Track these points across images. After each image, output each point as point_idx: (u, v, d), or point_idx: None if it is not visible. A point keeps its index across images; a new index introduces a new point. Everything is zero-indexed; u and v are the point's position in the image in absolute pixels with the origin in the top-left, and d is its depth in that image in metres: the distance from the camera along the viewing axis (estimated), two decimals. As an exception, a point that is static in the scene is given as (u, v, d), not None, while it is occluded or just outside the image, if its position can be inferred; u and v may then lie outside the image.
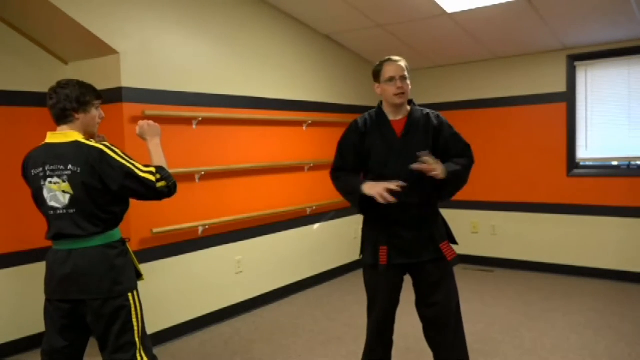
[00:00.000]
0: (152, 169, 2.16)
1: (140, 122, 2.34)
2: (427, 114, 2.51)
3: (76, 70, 3.70)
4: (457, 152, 2.48)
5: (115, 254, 2.15)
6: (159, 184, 2.14)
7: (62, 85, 2.14)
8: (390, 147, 2.44)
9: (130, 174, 2.09)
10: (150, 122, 2.35)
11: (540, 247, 5.33)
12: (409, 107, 2.52)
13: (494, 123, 5.54)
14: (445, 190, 2.44)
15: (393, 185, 2.26)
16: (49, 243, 2.18)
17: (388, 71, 2.42)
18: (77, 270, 2.07)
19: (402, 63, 2.46)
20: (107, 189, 2.09)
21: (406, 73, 2.45)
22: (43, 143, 2.16)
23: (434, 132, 2.44)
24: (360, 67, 5.59)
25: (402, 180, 2.34)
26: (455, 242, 2.53)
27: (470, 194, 5.72)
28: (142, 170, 2.12)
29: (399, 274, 2.49)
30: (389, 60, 2.46)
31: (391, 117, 2.49)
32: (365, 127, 2.52)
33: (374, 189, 2.28)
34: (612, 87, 4.98)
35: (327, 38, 5.18)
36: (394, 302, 2.53)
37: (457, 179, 2.42)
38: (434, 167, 2.28)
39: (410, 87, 2.48)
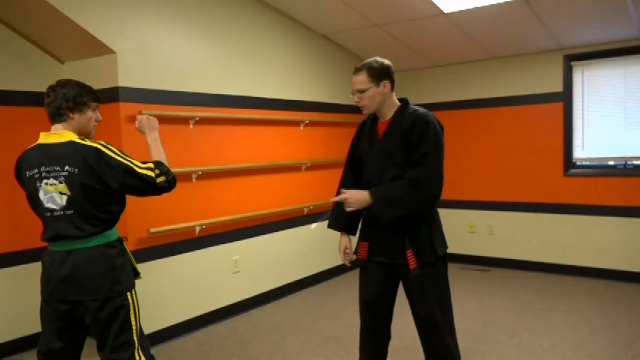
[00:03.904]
0: (151, 165, 2.15)
1: (139, 117, 2.36)
2: (409, 114, 2.36)
3: (73, 70, 3.70)
4: (416, 160, 2.28)
5: (115, 254, 2.15)
6: (159, 180, 2.14)
7: (61, 84, 2.14)
8: (372, 149, 2.46)
9: (130, 172, 2.08)
10: (150, 116, 2.37)
11: (538, 247, 5.35)
12: (398, 107, 2.45)
13: (491, 123, 5.55)
14: (378, 213, 2.32)
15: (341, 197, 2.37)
16: (46, 243, 2.17)
17: (352, 83, 2.42)
18: (78, 271, 2.06)
19: (362, 74, 2.34)
20: (105, 189, 2.09)
21: (364, 85, 2.33)
22: (36, 144, 2.14)
23: (405, 135, 2.31)
24: (358, 67, 5.59)
25: (377, 182, 2.39)
26: (436, 253, 2.34)
27: (467, 193, 5.75)
28: (140, 167, 2.12)
29: (385, 273, 2.45)
30: (354, 70, 2.39)
31: (380, 119, 2.48)
32: (362, 130, 2.56)
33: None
34: (609, 87, 4.99)
35: (324, 38, 5.18)
36: (379, 300, 2.49)
37: (389, 204, 2.28)
38: (347, 203, 2.31)
39: (381, 91, 2.35)
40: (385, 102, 2.40)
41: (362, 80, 2.35)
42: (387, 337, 2.59)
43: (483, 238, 5.68)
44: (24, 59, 3.59)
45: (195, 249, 3.91)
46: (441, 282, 2.42)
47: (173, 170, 2.24)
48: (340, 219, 2.59)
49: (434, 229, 2.40)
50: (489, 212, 5.61)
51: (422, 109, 2.40)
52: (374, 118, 2.52)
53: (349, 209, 2.34)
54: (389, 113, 2.42)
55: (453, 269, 5.53)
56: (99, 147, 2.08)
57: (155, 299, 3.59)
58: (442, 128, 2.39)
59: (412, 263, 2.32)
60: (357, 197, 2.32)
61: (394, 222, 2.33)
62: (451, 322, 2.46)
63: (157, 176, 2.14)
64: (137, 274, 2.29)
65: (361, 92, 2.36)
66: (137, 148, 3.03)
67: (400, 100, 2.47)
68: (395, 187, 2.30)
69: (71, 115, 2.13)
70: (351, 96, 2.45)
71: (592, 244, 5.06)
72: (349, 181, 2.58)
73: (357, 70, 2.38)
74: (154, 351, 2.44)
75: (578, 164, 5.21)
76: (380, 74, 2.36)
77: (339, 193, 2.60)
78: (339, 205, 2.56)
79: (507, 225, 5.52)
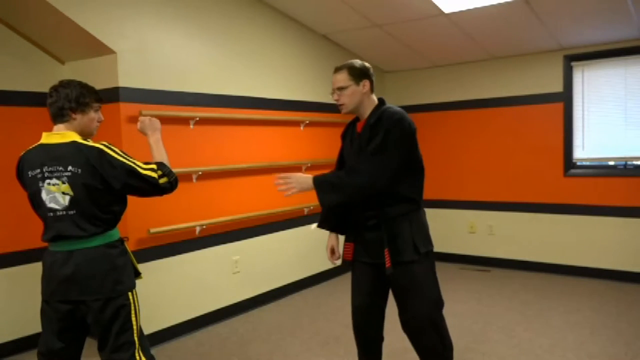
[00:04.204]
0: (154, 166, 2.17)
1: (141, 118, 2.37)
2: (380, 112, 2.38)
3: (73, 70, 3.70)
4: (367, 152, 2.31)
5: (117, 254, 2.15)
6: (161, 180, 2.16)
7: (63, 84, 2.15)
8: (349, 147, 2.51)
9: (132, 172, 2.10)
10: (152, 117, 2.38)
11: (537, 247, 5.35)
12: (373, 106, 2.46)
13: (491, 123, 5.55)
14: (318, 197, 2.33)
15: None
16: (46, 243, 2.17)
17: (332, 82, 2.44)
18: (79, 271, 2.06)
19: (342, 72, 2.39)
20: (108, 189, 2.09)
21: (344, 83, 2.37)
22: (38, 144, 2.14)
23: (370, 130, 2.36)
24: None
25: None
26: (418, 250, 2.33)
27: (467, 193, 5.75)
28: (143, 168, 2.13)
29: (372, 273, 2.44)
30: (334, 69, 2.44)
31: (360, 119, 2.50)
32: (347, 131, 2.61)
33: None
34: (609, 87, 4.99)
35: (324, 38, 5.18)
36: (370, 301, 2.48)
37: (326, 188, 2.29)
38: (291, 185, 2.31)
39: (360, 90, 2.38)
40: (363, 101, 2.43)
41: (342, 78, 2.40)
42: (379, 338, 2.57)
43: (483, 238, 5.68)
44: (24, 59, 3.59)
45: (195, 249, 3.91)
46: (425, 281, 2.38)
47: (173, 170, 2.25)
48: (330, 219, 2.63)
49: (415, 226, 2.37)
50: (489, 212, 5.61)
51: (395, 108, 2.40)
52: (356, 118, 2.54)
53: (291, 192, 2.31)
54: (366, 112, 2.45)
55: (453, 269, 5.54)
56: (102, 147, 2.09)
57: (155, 299, 3.59)
58: (413, 129, 2.35)
59: (387, 261, 2.31)
60: (298, 180, 2.32)
61: (335, 206, 2.41)
62: (440, 323, 2.41)
63: (160, 177, 2.16)
64: (137, 274, 2.29)
65: (341, 89, 2.40)
66: (137, 148, 3.03)
67: (378, 99, 2.48)
68: (334, 173, 2.36)
69: (73, 115, 2.13)
70: (330, 94, 2.48)
71: (592, 244, 5.06)
72: None
73: (338, 69, 2.43)
74: (154, 351, 2.44)
75: (578, 164, 5.21)
76: (361, 74, 2.41)
77: None
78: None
79: (507, 225, 5.52)
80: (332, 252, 2.65)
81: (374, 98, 2.47)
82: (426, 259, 2.38)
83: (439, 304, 2.42)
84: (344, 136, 2.62)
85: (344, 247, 2.54)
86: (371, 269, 2.45)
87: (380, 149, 2.26)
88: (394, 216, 2.36)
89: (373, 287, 2.48)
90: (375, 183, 2.25)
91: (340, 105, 2.43)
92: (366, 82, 2.41)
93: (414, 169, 2.39)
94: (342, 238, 2.64)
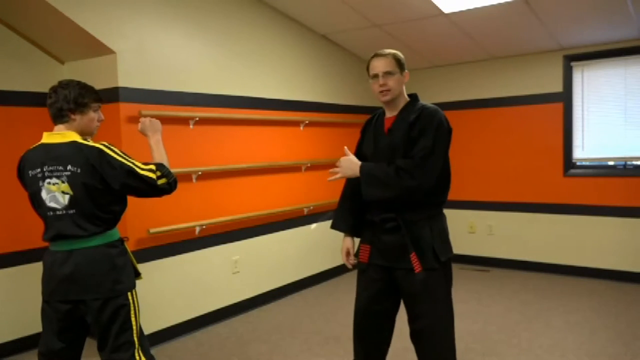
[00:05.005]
0: (152, 167, 2.17)
1: (142, 119, 2.37)
2: (417, 108, 2.31)
3: (73, 70, 3.70)
4: (413, 154, 2.23)
5: (116, 253, 2.16)
6: (160, 181, 2.16)
7: (62, 85, 2.15)
8: (376, 145, 2.40)
9: (131, 172, 2.10)
10: (152, 118, 2.37)
11: (537, 247, 5.35)
12: (406, 101, 2.40)
13: (491, 123, 5.55)
14: (362, 188, 2.28)
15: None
16: (46, 243, 2.17)
17: (372, 68, 2.34)
18: (79, 270, 2.07)
19: (388, 58, 2.31)
20: (108, 189, 2.10)
21: (392, 68, 2.29)
22: (39, 143, 2.15)
23: (409, 128, 2.26)
24: (357, 67, 5.59)
25: None
26: (438, 258, 2.26)
27: (467, 193, 5.75)
28: (142, 169, 2.13)
29: (386, 277, 2.35)
30: (375, 55, 2.36)
31: (387, 114, 2.41)
32: (367, 126, 2.52)
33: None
34: (609, 87, 4.99)
35: (324, 38, 5.18)
36: (376, 306, 2.39)
37: (373, 182, 2.25)
38: (337, 169, 2.32)
39: (403, 79, 2.34)
40: (401, 93, 2.37)
41: (390, 63, 2.31)
42: (384, 344, 2.48)
43: (483, 238, 5.68)
44: (24, 59, 3.58)
45: (195, 249, 3.91)
46: (441, 291, 2.30)
47: (173, 170, 2.25)
48: (347, 220, 2.53)
49: (436, 232, 2.30)
50: (489, 212, 5.61)
51: (432, 105, 2.34)
52: (379, 115, 2.46)
53: (335, 177, 2.32)
54: (399, 106, 2.37)
55: (453, 269, 5.52)
56: (102, 147, 2.09)
57: (155, 299, 3.59)
58: (450, 129, 2.31)
59: (417, 266, 2.21)
60: (348, 164, 2.30)
61: (382, 203, 2.29)
62: (451, 335, 2.34)
63: (158, 178, 2.16)
64: (137, 274, 2.30)
65: (388, 73, 2.30)
66: (136, 148, 3.03)
67: (410, 95, 2.42)
68: (382, 168, 2.25)
69: (72, 116, 2.14)
70: (371, 81, 2.37)
71: (591, 244, 5.06)
72: (354, 180, 2.43)
73: (382, 55, 2.33)
74: (154, 351, 2.44)
75: (578, 164, 5.21)
76: (403, 64, 2.36)
77: (345, 192, 2.58)
78: (342, 206, 2.56)
79: (506, 225, 5.52)
80: (348, 254, 2.51)
81: (405, 92, 2.41)
82: (444, 268, 2.31)
83: (450, 319, 2.34)
84: (364, 131, 2.53)
85: (360, 249, 2.44)
86: (384, 273, 2.36)
87: (430, 152, 2.21)
88: (414, 220, 2.28)
89: (382, 292, 2.38)
90: (423, 185, 2.20)
91: (386, 90, 2.31)
92: (407, 74, 2.37)
93: (444, 170, 2.32)
94: (356, 240, 2.54)
